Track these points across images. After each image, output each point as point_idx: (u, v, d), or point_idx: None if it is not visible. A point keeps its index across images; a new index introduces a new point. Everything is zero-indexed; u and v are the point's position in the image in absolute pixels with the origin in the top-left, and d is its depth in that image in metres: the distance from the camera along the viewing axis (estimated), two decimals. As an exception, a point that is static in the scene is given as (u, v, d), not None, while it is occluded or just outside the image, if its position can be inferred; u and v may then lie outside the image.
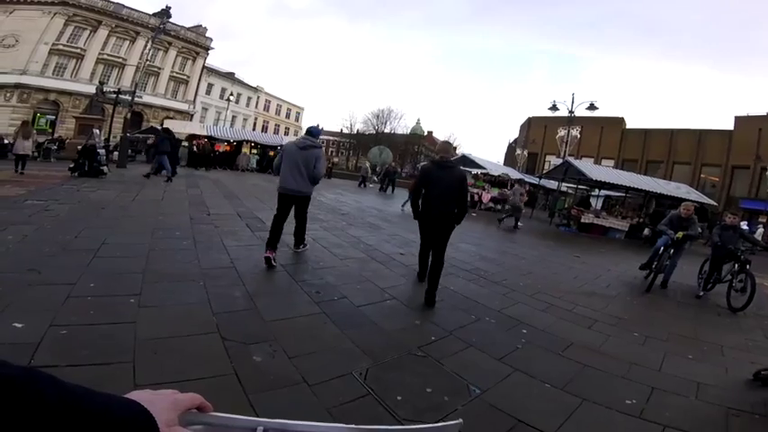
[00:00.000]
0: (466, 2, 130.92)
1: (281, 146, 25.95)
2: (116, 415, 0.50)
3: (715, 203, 20.78)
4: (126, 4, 34.95)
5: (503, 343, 3.48)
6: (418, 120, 67.12)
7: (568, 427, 2.36)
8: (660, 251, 6.95)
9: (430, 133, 67.01)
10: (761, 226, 23.03)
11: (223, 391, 2.18)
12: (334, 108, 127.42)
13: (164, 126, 19.23)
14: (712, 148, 29.68)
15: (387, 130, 55.56)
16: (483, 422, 2.31)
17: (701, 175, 30.52)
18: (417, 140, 60.19)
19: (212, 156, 22.30)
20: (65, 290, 3.14)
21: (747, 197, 27.04)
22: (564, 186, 21.38)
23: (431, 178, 4.52)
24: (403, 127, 58.56)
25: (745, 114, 29.57)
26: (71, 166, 11.25)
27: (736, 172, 28.92)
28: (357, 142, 56.70)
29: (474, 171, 22.11)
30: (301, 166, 5.04)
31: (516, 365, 3.05)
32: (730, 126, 29.77)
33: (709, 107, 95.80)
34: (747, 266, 6.15)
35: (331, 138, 69.64)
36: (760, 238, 12.46)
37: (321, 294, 3.97)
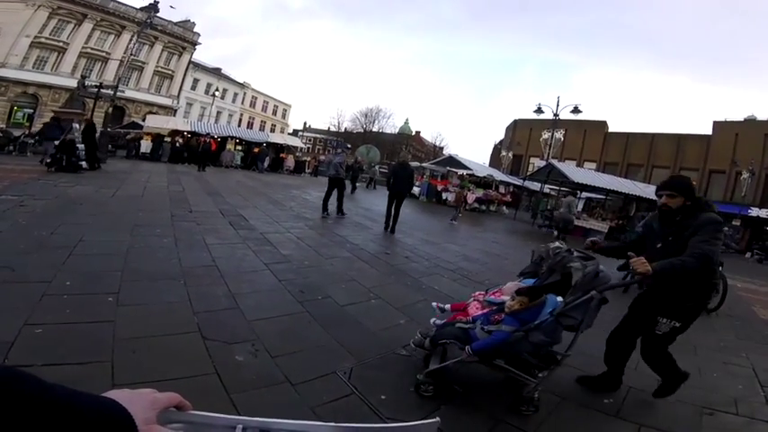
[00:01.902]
0: (462, 8, 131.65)
1: (266, 143, 25.80)
2: (95, 413, 0.50)
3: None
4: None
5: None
6: (407, 119, 67.32)
7: (548, 426, 2.41)
8: None
9: (418, 133, 67.38)
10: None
11: (204, 390, 2.16)
12: (322, 106, 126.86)
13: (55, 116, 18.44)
14: (691, 153, 30.49)
15: (375, 129, 55.63)
16: (465, 421, 2.33)
17: (680, 179, 31.28)
18: (405, 140, 60.38)
19: (209, 153, 20.48)
20: (40, 288, 3.06)
21: (722, 201, 27.86)
22: (547, 188, 21.71)
23: (396, 172, 9.01)
24: (391, 126, 58.86)
25: (724, 119, 30.50)
26: (48, 161, 10.96)
27: (712, 176, 29.76)
28: (345, 141, 56.65)
29: (460, 172, 22.26)
30: (332, 163, 9.87)
31: (498, 365, 3.08)
32: (709, 131, 30.63)
33: (688, 112, 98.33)
34: (720, 268, 6.33)
35: (318, 135, 69.39)
36: None
37: (305, 294, 3.95)
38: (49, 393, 0.47)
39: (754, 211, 25.87)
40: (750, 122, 29.45)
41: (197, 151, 20.32)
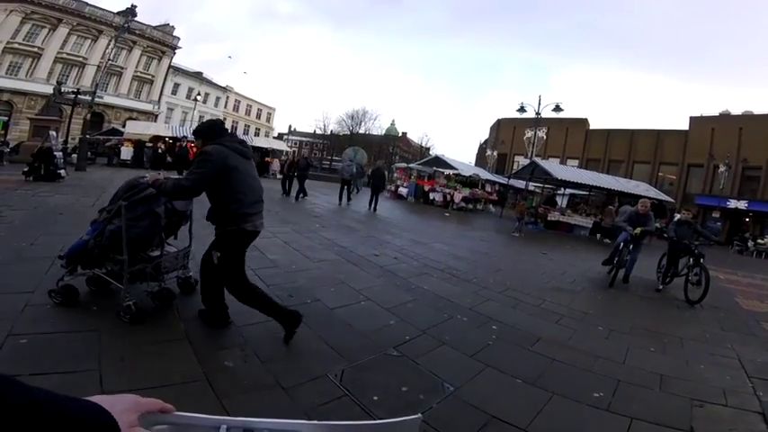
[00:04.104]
0: (448, 12, 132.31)
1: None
2: (79, 416, 0.51)
3: (672, 200, 21.84)
4: (89, 2, 33.42)
5: (475, 340, 3.55)
6: (393, 121, 67.01)
7: (540, 422, 2.43)
8: (620, 247, 7.23)
9: (404, 134, 67.47)
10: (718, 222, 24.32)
11: (195, 396, 2.15)
12: (308, 109, 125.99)
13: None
14: (669, 148, 31.15)
15: (361, 131, 55.50)
16: (458, 419, 2.35)
17: (659, 174, 31.98)
18: (392, 141, 60.43)
19: (187, 160, 16.50)
20: (22, 298, 2.99)
21: (702, 194, 28.55)
22: (531, 186, 21.96)
23: (374, 174, 15.12)
24: (378, 128, 58.64)
25: (700, 115, 31.25)
26: (25, 169, 10.67)
27: (691, 170, 30.47)
28: (331, 143, 56.41)
29: (446, 171, 22.39)
30: (345, 170, 15.36)
31: (488, 362, 3.12)
32: (686, 126, 31.37)
33: (666, 108, 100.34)
34: (701, 260, 6.49)
35: (304, 139, 69.02)
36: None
37: (293, 298, 3.92)
38: (31, 396, 0.48)
39: (733, 203, 26.56)
40: (725, 117, 30.24)
41: (173, 158, 17.85)
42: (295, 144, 65.59)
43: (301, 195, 13.71)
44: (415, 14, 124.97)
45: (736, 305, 6.92)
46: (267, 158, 26.60)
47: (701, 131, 29.50)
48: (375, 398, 2.41)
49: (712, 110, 35.89)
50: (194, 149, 19.36)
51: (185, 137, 19.77)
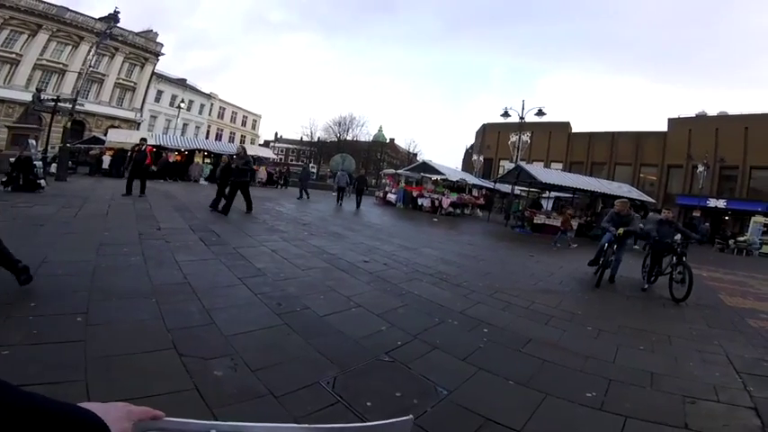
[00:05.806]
0: (436, 20, 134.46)
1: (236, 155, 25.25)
2: (73, 422, 0.51)
3: (654, 201, 22.30)
4: (70, 8, 32.92)
5: (466, 343, 3.54)
6: (380, 127, 67.37)
7: (534, 423, 2.43)
8: (605, 247, 7.33)
9: (392, 140, 67.77)
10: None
11: (185, 406, 2.09)
12: (294, 115, 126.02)
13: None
14: (649, 149, 31.90)
15: (349, 138, 55.53)
16: (452, 422, 2.34)
17: (641, 175, 32.70)
18: (380, 147, 60.62)
19: (142, 167, 12.18)
20: (2, 309, 2.89)
21: (682, 193, 29.23)
22: (517, 189, 22.23)
23: (359, 180, 19.58)
24: (365, 134, 58.82)
25: (677, 116, 32.09)
26: (3, 179, 10.40)
27: (671, 170, 31.23)
28: (318, 150, 56.29)
29: (434, 177, 22.53)
30: (341, 176, 19.24)
31: (480, 364, 3.12)
32: (664, 128, 32.15)
33: (645, 110, 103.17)
34: (684, 258, 6.62)
35: (290, 146, 68.79)
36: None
37: (283, 306, 3.87)
38: (29, 400, 0.48)
39: (712, 202, 27.25)
40: (701, 118, 31.14)
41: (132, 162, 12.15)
42: (282, 151, 65.37)
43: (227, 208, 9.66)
44: (406, 22, 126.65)
45: (720, 302, 7.06)
46: (254, 166, 26.33)
47: (678, 133, 30.30)
48: (368, 404, 2.39)
49: (689, 111, 36.92)
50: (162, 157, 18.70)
51: (144, 139, 16.47)
